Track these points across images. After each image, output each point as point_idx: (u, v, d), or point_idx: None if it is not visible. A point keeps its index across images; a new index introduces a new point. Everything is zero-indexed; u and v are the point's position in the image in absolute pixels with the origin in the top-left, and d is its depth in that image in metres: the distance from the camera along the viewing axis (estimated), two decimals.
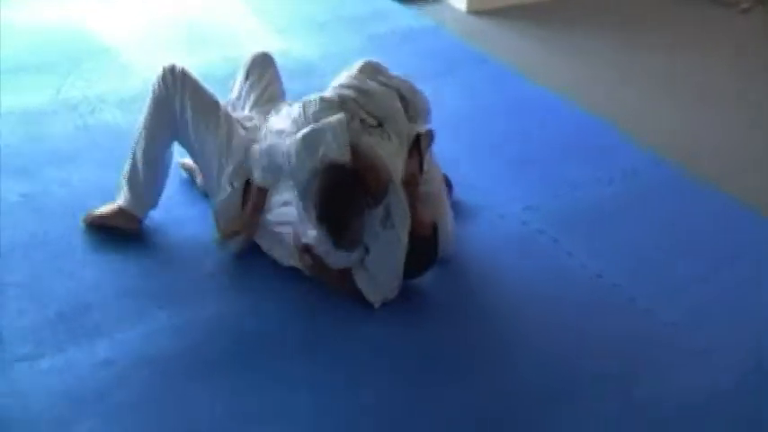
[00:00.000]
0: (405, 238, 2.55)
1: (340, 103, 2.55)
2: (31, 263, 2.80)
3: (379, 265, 2.59)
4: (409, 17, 4.73)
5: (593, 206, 3.21)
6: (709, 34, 4.82)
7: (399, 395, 2.39)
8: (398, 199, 2.52)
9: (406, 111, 2.67)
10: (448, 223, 2.82)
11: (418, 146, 2.65)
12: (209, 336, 2.56)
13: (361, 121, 2.54)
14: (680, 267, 2.92)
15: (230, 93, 3.16)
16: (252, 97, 3.07)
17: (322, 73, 3.99)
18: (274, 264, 2.80)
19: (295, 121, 2.56)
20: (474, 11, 4.86)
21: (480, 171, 3.41)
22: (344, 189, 2.38)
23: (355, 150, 2.43)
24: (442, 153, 3.28)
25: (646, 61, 4.42)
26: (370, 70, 2.77)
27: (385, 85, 2.69)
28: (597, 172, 3.42)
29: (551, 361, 2.52)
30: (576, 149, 3.58)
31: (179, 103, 2.79)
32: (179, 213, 3.04)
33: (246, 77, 3.09)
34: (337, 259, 2.61)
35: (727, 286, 2.84)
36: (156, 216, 2.97)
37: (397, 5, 4.87)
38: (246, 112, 3.03)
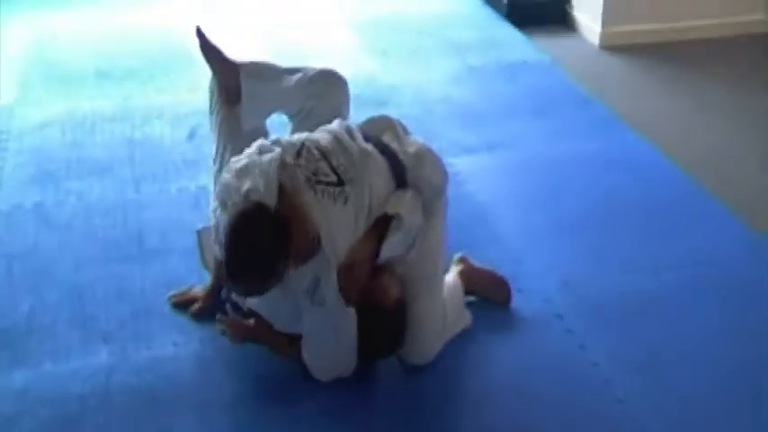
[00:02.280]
0: (342, 323, 2.10)
1: (299, 147, 2.15)
2: (6, 275, 2.66)
3: (310, 344, 2.18)
4: (525, 49, 4.24)
5: (643, 297, 2.56)
6: None
7: None
8: (328, 277, 2.05)
9: (401, 181, 2.18)
10: (431, 320, 2.25)
11: (382, 228, 2.12)
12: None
13: (314, 172, 2.10)
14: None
15: None
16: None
17: (399, 103, 3.67)
18: None
19: (249, 156, 2.22)
20: (606, 46, 4.29)
21: (525, 227, 2.89)
22: (257, 232, 1.97)
23: (286, 195, 2.03)
24: (493, 197, 3.02)
25: None
26: (380, 126, 2.33)
27: (380, 146, 2.21)
28: (669, 252, 2.75)
29: None
30: (654, 218, 2.93)
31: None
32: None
33: None
34: (283, 324, 2.24)
35: None
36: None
37: (517, 35, 4.40)
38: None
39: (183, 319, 2.46)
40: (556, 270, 2.67)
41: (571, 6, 4.56)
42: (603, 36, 4.32)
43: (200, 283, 2.54)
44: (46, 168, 3.23)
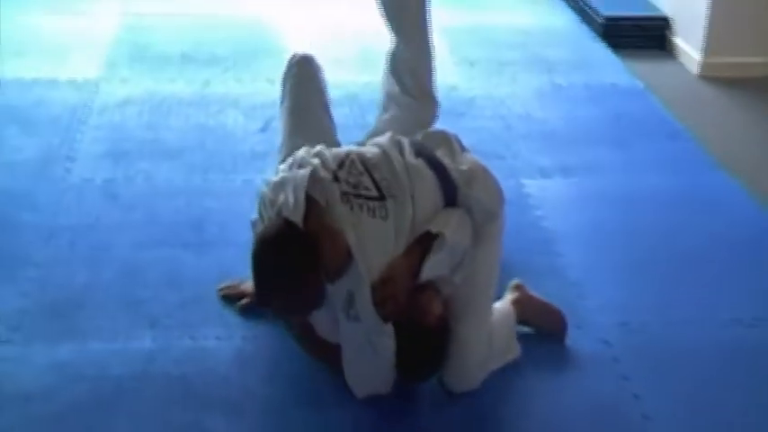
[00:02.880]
0: (379, 340, 2.02)
1: (342, 159, 2.11)
2: (68, 247, 2.69)
3: (346, 358, 2.11)
4: (617, 72, 4.09)
5: (714, 353, 2.39)
6: None
7: None
8: (362, 292, 1.98)
9: (451, 199, 2.11)
10: (474, 346, 2.14)
11: (424, 245, 2.03)
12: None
13: (354, 186, 2.04)
14: None
15: None
16: None
17: (476, 116, 3.59)
18: None
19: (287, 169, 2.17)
20: (706, 76, 4.10)
21: (592, 261, 2.76)
22: (282, 249, 1.94)
23: (317, 211, 1.98)
24: (562, 225, 2.92)
25: None
26: (436, 141, 2.25)
27: (432, 162, 2.13)
28: (748, 306, 2.58)
29: None
30: (735, 266, 2.76)
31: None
32: None
33: None
34: (326, 330, 2.18)
35: None
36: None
37: (610, 57, 4.24)
38: None
39: (230, 313, 2.44)
40: (619, 310, 2.53)
41: (672, 31, 4.39)
42: (704, 65, 4.12)
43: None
44: (120, 146, 3.26)
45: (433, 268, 2.02)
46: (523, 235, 2.81)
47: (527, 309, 2.39)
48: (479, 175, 2.16)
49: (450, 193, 2.11)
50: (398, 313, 2.00)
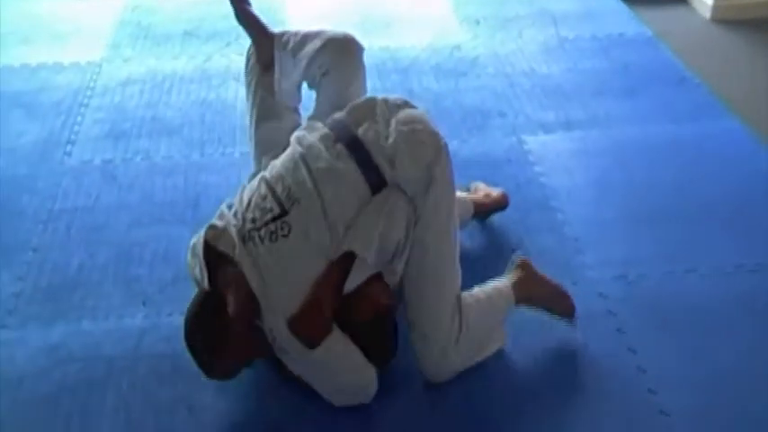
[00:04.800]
0: (313, 365, 1.98)
1: (251, 194, 2.06)
2: (65, 229, 2.70)
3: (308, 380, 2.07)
4: (626, 21, 3.95)
5: (713, 303, 2.33)
6: None
7: None
8: (278, 328, 1.93)
9: (378, 185, 1.97)
10: (433, 331, 2.03)
11: (344, 265, 1.93)
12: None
13: (257, 218, 1.99)
14: None
15: None
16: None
17: (479, 74, 3.51)
18: None
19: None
20: (719, 19, 3.95)
21: (593, 216, 2.69)
22: (195, 325, 1.96)
23: (224, 264, 1.98)
24: (563, 181, 2.84)
25: None
26: (361, 115, 2.06)
27: (353, 147, 1.98)
28: (752, 255, 2.50)
29: None
30: (743, 216, 2.68)
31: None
32: None
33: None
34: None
35: None
36: None
37: (619, 5, 4.10)
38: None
39: None
40: (617, 264, 2.48)
41: None
42: (716, 8, 3.96)
43: None
44: (120, 127, 3.26)
45: (354, 282, 1.94)
46: (521, 192, 2.76)
47: (531, 290, 2.23)
48: (402, 144, 1.97)
49: (376, 178, 1.98)
50: (321, 337, 1.94)
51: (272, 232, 1.96)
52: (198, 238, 2.06)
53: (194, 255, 2.06)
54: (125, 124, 3.29)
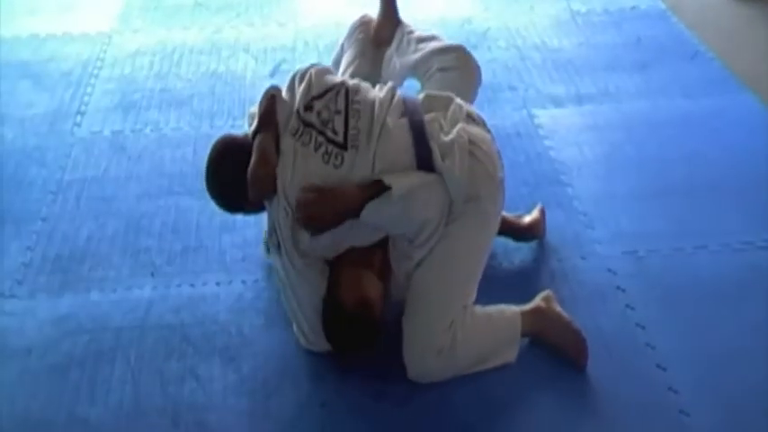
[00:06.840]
0: (298, 280, 2.06)
1: (328, 87, 2.13)
2: (74, 200, 2.71)
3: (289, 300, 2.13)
4: None
5: (723, 280, 2.32)
6: None
7: None
8: (282, 221, 2.02)
9: (426, 166, 2.03)
10: (426, 337, 2.01)
11: (370, 191, 1.99)
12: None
13: (324, 122, 2.06)
14: None
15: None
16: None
17: (490, 47, 3.48)
18: None
19: None
20: None
21: (603, 190, 2.67)
22: (218, 159, 2.20)
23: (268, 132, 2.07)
24: (573, 156, 2.81)
25: None
26: (436, 103, 2.17)
27: (415, 125, 2.07)
28: (760, 227, 2.48)
29: None
30: (757, 193, 2.64)
31: None
32: None
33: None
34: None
35: None
36: None
37: None
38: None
39: (230, 259, 2.45)
40: (627, 240, 2.46)
41: None
42: None
43: (256, 226, 2.51)
44: (130, 98, 3.26)
45: (373, 213, 1.97)
46: (531, 166, 2.75)
47: (544, 323, 2.13)
48: (458, 150, 2.03)
49: (425, 158, 2.02)
50: (318, 225, 2.00)
51: (328, 153, 2.02)
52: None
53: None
54: (135, 95, 3.28)
